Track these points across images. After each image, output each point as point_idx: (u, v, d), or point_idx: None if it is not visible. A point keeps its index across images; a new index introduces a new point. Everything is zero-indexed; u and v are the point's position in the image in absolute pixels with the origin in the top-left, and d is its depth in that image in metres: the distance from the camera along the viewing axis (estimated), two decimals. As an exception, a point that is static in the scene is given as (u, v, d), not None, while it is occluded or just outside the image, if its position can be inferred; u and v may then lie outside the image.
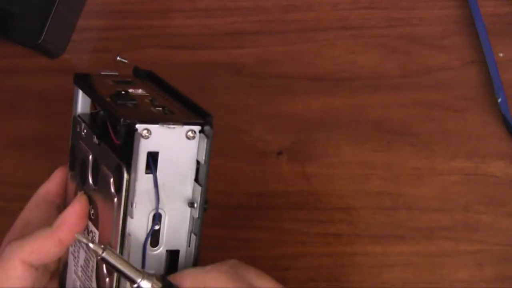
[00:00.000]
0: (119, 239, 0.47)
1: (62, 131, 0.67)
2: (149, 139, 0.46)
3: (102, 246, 0.45)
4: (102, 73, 0.54)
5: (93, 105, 0.54)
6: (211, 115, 0.48)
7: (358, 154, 0.64)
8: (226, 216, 0.65)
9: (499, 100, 0.62)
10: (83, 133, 0.52)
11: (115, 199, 0.48)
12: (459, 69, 0.64)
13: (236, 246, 0.65)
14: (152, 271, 0.47)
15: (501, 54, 0.63)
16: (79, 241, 0.49)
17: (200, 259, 0.50)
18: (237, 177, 0.65)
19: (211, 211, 0.65)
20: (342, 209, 0.64)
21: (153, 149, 0.46)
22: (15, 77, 0.70)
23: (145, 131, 0.46)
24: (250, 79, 0.66)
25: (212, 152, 0.48)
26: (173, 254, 0.49)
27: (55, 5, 0.66)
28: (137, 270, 0.46)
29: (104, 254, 0.45)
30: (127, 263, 0.46)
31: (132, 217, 0.47)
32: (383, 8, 0.66)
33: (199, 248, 0.49)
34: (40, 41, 0.66)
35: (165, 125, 0.47)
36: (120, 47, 0.68)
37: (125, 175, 0.47)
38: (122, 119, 0.46)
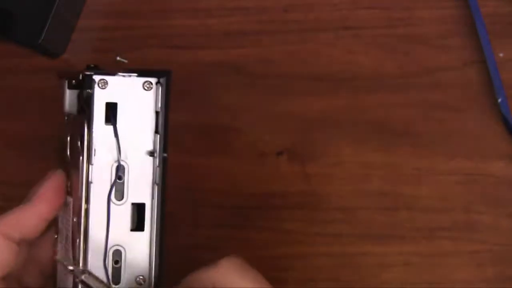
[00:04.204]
0: (84, 189, 0.49)
1: (61, 131, 0.67)
2: (106, 89, 0.49)
3: (82, 269, 0.48)
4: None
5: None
6: (170, 71, 0.51)
7: (358, 154, 0.64)
8: (226, 216, 0.65)
9: (499, 100, 0.62)
10: (66, 122, 0.54)
11: (81, 156, 0.50)
12: (459, 69, 0.64)
13: (236, 246, 0.65)
14: None
15: (501, 54, 0.63)
16: (60, 264, 0.51)
17: (165, 212, 0.51)
18: (237, 177, 0.65)
19: (211, 211, 0.66)
20: (342, 209, 0.64)
21: (110, 99, 0.49)
22: (15, 77, 0.70)
23: (101, 82, 0.49)
24: (250, 79, 0.66)
25: (171, 102, 0.50)
26: (139, 208, 0.51)
27: (55, 5, 0.66)
28: None
29: (83, 277, 0.47)
30: (107, 285, 0.48)
31: (92, 164, 0.49)
32: (383, 8, 0.66)
33: (164, 199, 0.50)
34: (40, 41, 0.66)
35: (120, 75, 0.50)
36: (120, 47, 0.68)
37: (86, 126, 0.49)
38: (81, 73, 0.49)
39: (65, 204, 0.53)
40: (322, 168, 0.65)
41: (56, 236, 0.55)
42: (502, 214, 0.62)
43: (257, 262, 0.63)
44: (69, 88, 0.55)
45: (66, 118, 0.54)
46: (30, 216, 0.51)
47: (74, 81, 0.54)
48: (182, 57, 0.67)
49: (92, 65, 0.52)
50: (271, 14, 0.67)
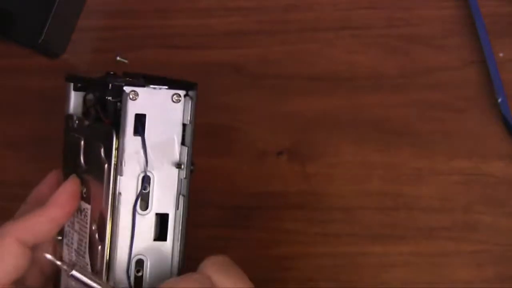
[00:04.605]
0: (110, 198, 0.49)
1: (62, 131, 0.67)
2: (136, 100, 0.49)
3: (72, 264, 0.48)
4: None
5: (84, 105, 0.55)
6: (196, 83, 0.51)
7: (358, 154, 0.64)
8: (226, 216, 0.65)
9: (499, 100, 0.62)
10: (75, 125, 0.54)
11: (106, 164, 0.49)
12: (459, 69, 0.64)
13: (236, 246, 0.65)
14: (122, 287, 0.49)
15: (501, 54, 0.63)
16: (49, 260, 0.50)
17: (189, 223, 0.51)
18: (237, 177, 0.65)
19: (211, 211, 0.66)
20: (342, 209, 0.64)
21: (140, 111, 0.49)
22: (15, 77, 0.70)
23: (132, 93, 0.48)
24: (250, 79, 0.66)
25: (196, 115, 0.50)
26: (162, 218, 0.51)
27: (55, 5, 0.66)
28: (107, 285, 0.48)
29: (73, 272, 0.47)
30: (96, 279, 0.48)
31: (122, 175, 0.49)
32: (383, 8, 0.66)
33: (188, 211, 0.51)
34: (40, 41, 0.66)
35: (151, 87, 0.49)
36: (120, 47, 0.68)
37: (115, 136, 0.49)
38: (110, 84, 0.49)
39: (79, 209, 0.53)
40: (322, 168, 0.65)
41: (59, 238, 0.54)
42: (502, 214, 0.62)
43: (257, 262, 0.63)
44: (75, 90, 0.55)
45: (76, 121, 0.54)
46: (44, 221, 0.51)
47: (79, 84, 0.54)
48: (182, 57, 0.67)
49: (111, 72, 0.52)
50: (271, 14, 0.67)
